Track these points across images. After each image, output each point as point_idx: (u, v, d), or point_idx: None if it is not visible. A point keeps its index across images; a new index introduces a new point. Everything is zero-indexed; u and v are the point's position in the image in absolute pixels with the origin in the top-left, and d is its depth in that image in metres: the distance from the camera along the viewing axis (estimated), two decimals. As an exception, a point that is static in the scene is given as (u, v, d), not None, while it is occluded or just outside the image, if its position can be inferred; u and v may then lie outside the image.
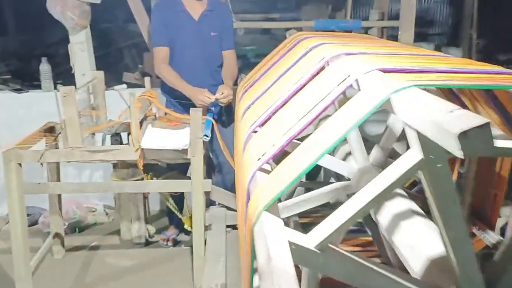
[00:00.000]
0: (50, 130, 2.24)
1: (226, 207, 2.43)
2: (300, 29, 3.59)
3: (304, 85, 1.42)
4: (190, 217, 2.50)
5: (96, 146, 2.02)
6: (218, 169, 2.69)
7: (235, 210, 2.44)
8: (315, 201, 1.49)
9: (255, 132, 1.47)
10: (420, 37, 4.68)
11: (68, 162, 2.09)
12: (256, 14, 4.95)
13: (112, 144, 2.41)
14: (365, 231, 1.85)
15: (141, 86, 3.68)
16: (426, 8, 6.14)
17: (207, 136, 1.94)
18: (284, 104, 1.43)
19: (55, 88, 2.88)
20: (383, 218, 1.28)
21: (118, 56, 5.18)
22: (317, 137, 0.99)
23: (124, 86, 2.99)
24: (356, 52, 1.39)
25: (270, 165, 1.21)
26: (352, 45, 1.63)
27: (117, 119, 2.34)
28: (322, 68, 1.41)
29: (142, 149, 1.94)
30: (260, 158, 1.19)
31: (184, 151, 1.94)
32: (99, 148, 1.98)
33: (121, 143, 2.44)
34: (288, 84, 1.50)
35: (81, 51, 2.73)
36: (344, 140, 1.50)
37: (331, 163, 1.56)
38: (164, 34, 2.45)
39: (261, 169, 1.14)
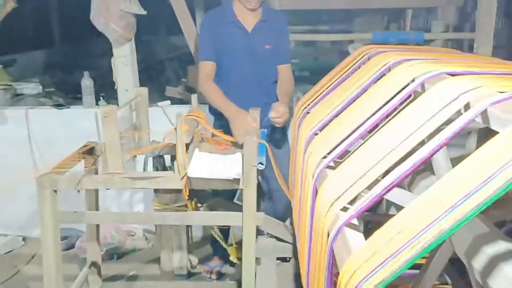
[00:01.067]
0: (89, 151, 2.05)
1: (275, 237, 2.18)
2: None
3: (392, 112, 1.15)
4: (236, 248, 2.27)
5: (138, 173, 1.81)
6: (268, 196, 2.44)
7: (286, 241, 2.19)
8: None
9: (330, 167, 1.21)
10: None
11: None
12: (302, 26, 4.70)
13: (154, 167, 2.21)
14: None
15: (185, 101, 3.50)
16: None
17: (262, 164, 1.70)
18: (368, 133, 1.17)
19: (97, 103, 2.72)
20: (478, 261, 0.99)
21: (160, 69, 5.05)
22: (441, 188, 0.71)
23: (168, 102, 2.80)
24: (459, 71, 1.11)
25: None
26: (445, 61, 1.34)
27: (161, 140, 2.15)
28: (414, 91, 1.14)
29: (188, 177, 1.72)
30: (346, 209, 0.93)
31: (236, 180, 1.70)
32: (141, 175, 1.77)
33: (164, 166, 2.23)
34: (368, 109, 1.23)
35: (124, 65, 2.56)
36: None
37: (397, 195, 1.27)
38: (212, 48, 2.23)
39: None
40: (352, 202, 0.94)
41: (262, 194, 2.45)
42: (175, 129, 1.76)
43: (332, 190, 1.02)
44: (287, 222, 2.60)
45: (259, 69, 2.28)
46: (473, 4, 3.51)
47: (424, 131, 0.91)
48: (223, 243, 2.28)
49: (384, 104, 1.18)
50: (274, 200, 2.42)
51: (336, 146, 1.22)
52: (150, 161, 2.19)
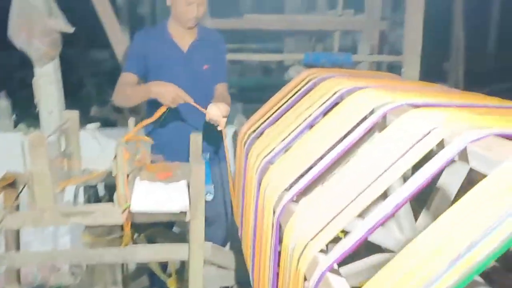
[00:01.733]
0: (10, 183, 1.83)
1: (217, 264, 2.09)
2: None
3: (356, 144, 1.12)
4: (177, 278, 2.14)
5: (71, 207, 1.63)
6: (209, 221, 2.34)
7: (228, 269, 2.10)
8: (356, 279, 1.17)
9: (294, 201, 1.15)
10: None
11: (35, 226, 1.69)
12: (230, 44, 4.66)
13: (85, 198, 2.04)
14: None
15: (113, 122, 3.31)
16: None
17: (211, 194, 1.61)
18: (332, 166, 1.13)
19: (15, 126, 2.47)
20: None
21: (80, 87, 4.76)
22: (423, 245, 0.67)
23: (97, 124, 2.61)
24: (420, 102, 1.12)
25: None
26: (400, 89, 1.35)
27: (93, 168, 1.98)
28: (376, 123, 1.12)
29: (130, 210, 1.58)
30: (323, 251, 0.87)
31: (183, 213, 1.60)
32: (74, 210, 1.60)
33: (97, 197, 2.06)
34: (328, 140, 1.19)
35: (47, 84, 2.35)
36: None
37: (379, 235, 1.26)
38: (139, 64, 2.14)
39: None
40: (329, 242, 0.89)
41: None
42: (115, 157, 1.62)
43: (303, 228, 0.97)
44: (227, 246, 2.52)
45: (197, 90, 2.18)
46: (394, 27, 3.69)
47: (399, 168, 0.88)
48: (161, 275, 2.14)
49: (345, 136, 1.15)
50: (214, 225, 2.32)
51: (297, 179, 1.17)
52: (81, 191, 2.01)
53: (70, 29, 2.18)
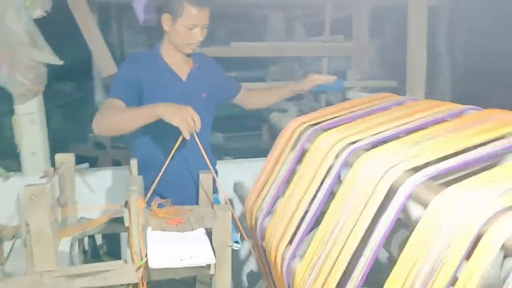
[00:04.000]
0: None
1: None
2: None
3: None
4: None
5: (77, 268, 1.39)
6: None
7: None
8: None
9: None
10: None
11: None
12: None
13: (80, 250, 1.80)
14: None
15: (93, 160, 3.06)
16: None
17: (238, 243, 1.42)
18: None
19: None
20: None
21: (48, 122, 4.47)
22: None
23: (86, 165, 2.37)
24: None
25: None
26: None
27: (90, 216, 1.76)
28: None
29: (146, 267, 1.37)
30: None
31: (207, 266, 1.40)
32: (81, 270, 1.37)
33: (95, 248, 1.83)
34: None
35: (30, 123, 2.11)
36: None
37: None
38: (129, 91, 1.83)
39: None
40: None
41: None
42: (126, 206, 1.41)
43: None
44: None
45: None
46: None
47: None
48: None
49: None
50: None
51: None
52: (75, 245, 1.78)
53: (59, 61, 1.96)
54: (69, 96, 5.39)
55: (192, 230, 1.57)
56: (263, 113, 3.20)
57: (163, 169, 1.74)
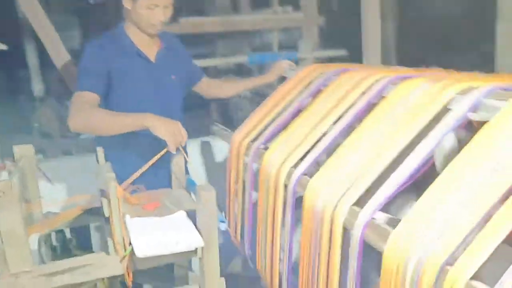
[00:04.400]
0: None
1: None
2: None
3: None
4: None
5: (54, 265, 1.30)
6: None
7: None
8: None
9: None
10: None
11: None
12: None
13: (48, 246, 1.70)
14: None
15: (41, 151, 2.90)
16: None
17: (224, 222, 1.39)
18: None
19: None
20: None
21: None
22: None
23: (40, 156, 2.22)
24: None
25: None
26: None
27: (56, 210, 1.66)
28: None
29: (131, 257, 1.30)
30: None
31: (193, 250, 1.35)
32: (60, 267, 1.28)
33: (64, 242, 1.74)
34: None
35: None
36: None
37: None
38: (100, 80, 1.75)
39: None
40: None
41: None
42: (102, 195, 1.33)
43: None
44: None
45: (163, 102, 1.93)
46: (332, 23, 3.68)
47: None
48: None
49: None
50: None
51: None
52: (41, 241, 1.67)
53: (3, 47, 1.79)
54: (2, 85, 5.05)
55: (171, 213, 1.51)
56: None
57: (138, 173, 1.67)
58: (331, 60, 3.58)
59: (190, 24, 3.19)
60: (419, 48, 4.04)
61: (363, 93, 1.32)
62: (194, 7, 4.63)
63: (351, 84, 1.38)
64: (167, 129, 1.54)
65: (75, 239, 1.82)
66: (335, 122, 1.35)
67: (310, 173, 1.31)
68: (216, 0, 4.35)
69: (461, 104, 0.99)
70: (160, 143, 1.59)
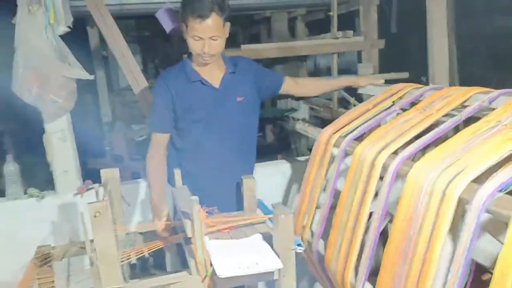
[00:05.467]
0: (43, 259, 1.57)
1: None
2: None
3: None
4: None
5: (143, 283, 1.38)
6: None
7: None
8: None
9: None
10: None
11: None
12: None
13: (127, 265, 1.78)
14: None
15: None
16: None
17: (301, 246, 1.41)
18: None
19: (26, 193, 2.17)
20: None
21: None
22: None
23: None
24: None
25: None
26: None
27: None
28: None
29: (212, 277, 1.36)
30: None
31: (270, 272, 1.39)
32: (148, 284, 1.36)
33: (143, 262, 1.82)
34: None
35: (61, 141, 2.09)
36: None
37: None
38: (168, 117, 1.92)
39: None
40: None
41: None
42: (185, 217, 1.41)
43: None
44: None
45: (233, 124, 1.98)
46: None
47: None
48: None
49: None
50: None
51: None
52: (124, 258, 1.76)
53: (90, 76, 1.95)
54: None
55: (246, 236, 1.56)
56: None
57: None
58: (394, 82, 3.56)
59: (250, 50, 3.27)
60: (480, 67, 3.94)
61: (463, 105, 1.39)
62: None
63: (451, 97, 1.44)
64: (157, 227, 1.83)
65: (151, 257, 1.90)
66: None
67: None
68: (275, 28, 4.46)
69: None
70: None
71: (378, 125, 1.75)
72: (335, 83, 2.33)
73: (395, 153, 1.41)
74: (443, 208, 1.09)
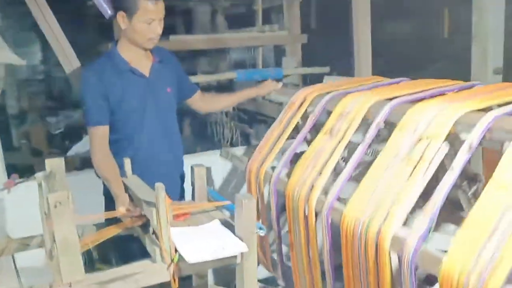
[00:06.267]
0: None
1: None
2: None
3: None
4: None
5: (106, 274, 1.32)
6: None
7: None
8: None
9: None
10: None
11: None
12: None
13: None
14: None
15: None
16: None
17: (262, 230, 1.46)
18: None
19: None
20: None
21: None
22: None
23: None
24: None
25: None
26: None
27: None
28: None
29: (177, 264, 1.35)
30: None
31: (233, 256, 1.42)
32: (111, 275, 1.31)
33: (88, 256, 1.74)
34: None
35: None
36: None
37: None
38: (103, 109, 1.86)
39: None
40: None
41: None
42: (149, 205, 1.38)
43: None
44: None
45: (161, 115, 1.99)
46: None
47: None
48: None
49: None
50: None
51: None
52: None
53: (22, 62, 1.80)
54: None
55: (203, 223, 1.57)
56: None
57: None
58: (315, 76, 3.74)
59: (179, 41, 3.23)
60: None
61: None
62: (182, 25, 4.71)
63: (350, 114, 1.61)
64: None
65: (96, 251, 1.83)
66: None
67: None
68: (198, 20, 4.42)
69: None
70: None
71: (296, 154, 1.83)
72: (236, 97, 2.35)
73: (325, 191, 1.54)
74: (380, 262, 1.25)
